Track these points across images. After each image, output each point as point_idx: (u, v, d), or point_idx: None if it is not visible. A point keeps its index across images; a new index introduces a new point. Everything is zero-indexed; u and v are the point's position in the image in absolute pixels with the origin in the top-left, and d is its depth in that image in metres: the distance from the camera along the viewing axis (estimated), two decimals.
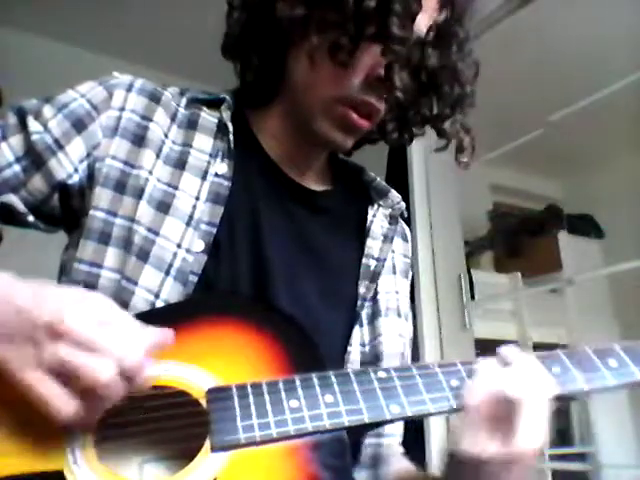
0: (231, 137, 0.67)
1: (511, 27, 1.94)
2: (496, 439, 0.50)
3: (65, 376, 0.42)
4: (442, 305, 1.94)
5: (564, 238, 3.28)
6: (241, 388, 0.50)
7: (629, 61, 1.82)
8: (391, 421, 0.52)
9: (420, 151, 2.12)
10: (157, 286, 0.60)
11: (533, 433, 0.51)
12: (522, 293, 3.02)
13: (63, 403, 0.42)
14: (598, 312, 3.11)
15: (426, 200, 2.07)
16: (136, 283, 0.59)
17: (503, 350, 0.55)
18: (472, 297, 2.13)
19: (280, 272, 0.65)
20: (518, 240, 3.37)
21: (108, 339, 0.44)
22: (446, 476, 0.55)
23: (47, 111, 0.63)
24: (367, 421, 0.50)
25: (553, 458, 2.69)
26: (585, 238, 3.44)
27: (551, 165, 3.48)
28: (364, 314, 0.71)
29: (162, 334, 0.48)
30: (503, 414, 0.51)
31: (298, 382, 0.51)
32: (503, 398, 0.51)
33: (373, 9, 0.59)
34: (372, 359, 0.69)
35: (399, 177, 2.19)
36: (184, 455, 0.47)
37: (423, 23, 0.64)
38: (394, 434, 0.72)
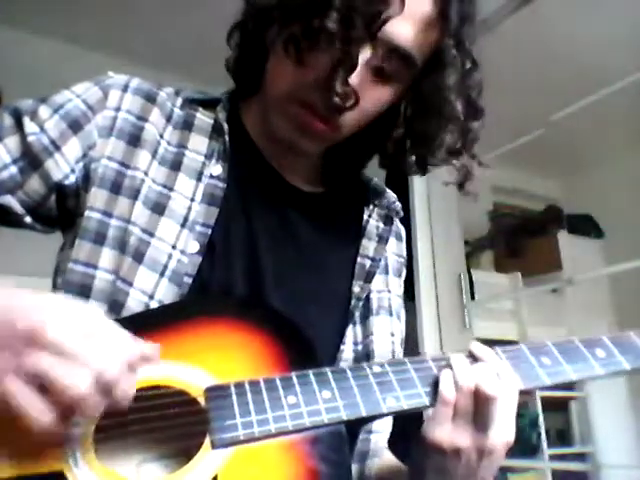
0: (226, 138, 0.67)
1: (511, 27, 1.94)
2: (469, 431, 0.53)
3: (44, 387, 0.41)
4: (442, 305, 1.95)
5: (564, 238, 3.29)
6: (239, 386, 0.50)
7: (629, 61, 1.82)
8: (388, 414, 0.53)
9: None
10: (152, 287, 0.60)
11: (506, 427, 0.53)
12: (522, 293, 3.02)
13: (39, 413, 0.41)
14: (598, 312, 3.11)
15: (426, 200, 2.07)
16: (131, 284, 0.59)
17: (474, 347, 0.57)
18: (472, 297, 2.13)
19: (273, 273, 0.65)
20: (518, 240, 3.37)
21: (89, 351, 0.43)
22: (415, 464, 0.57)
23: (43, 112, 0.63)
24: (364, 415, 0.51)
25: (553, 458, 2.69)
26: (585, 238, 3.44)
27: (551, 165, 3.48)
28: (357, 313, 0.71)
29: (149, 349, 0.47)
30: (477, 408, 0.53)
31: (295, 379, 0.52)
32: (479, 393, 0.53)
33: (337, 3, 0.56)
34: (363, 358, 0.70)
35: (399, 177, 2.19)
36: (184, 453, 0.48)
37: (404, 33, 0.60)
38: (382, 430, 0.72)
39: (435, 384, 0.54)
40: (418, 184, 2.07)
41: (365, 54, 0.59)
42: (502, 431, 0.53)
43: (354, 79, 0.58)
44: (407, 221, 2.13)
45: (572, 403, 3.15)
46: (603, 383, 3.03)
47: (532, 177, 3.66)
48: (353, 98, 0.59)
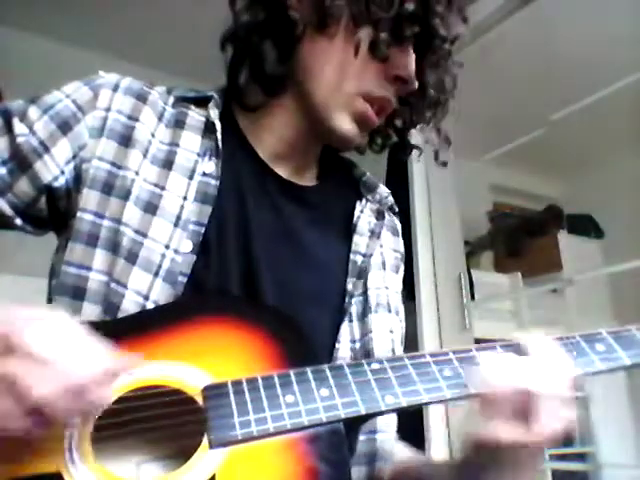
0: (219, 135, 0.67)
1: (511, 27, 1.94)
2: (513, 427, 0.51)
3: (11, 390, 0.41)
4: (442, 305, 1.94)
5: (564, 238, 3.28)
6: (237, 384, 0.50)
7: (629, 61, 1.82)
8: (387, 412, 0.53)
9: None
10: (146, 288, 0.59)
11: (552, 422, 0.51)
12: (522, 293, 3.02)
13: (10, 418, 0.41)
14: (598, 312, 3.10)
15: (426, 200, 2.07)
16: (125, 286, 0.59)
17: (522, 340, 0.56)
18: (472, 297, 2.13)
19: (268, 270, 0.65)
20: (518, 240, 3.37)
21: (58, 354, 0.43)
22: (464, 460, 0.56)
23: (32, 113, 0.63)
24: (363, 413, 0.50)
25: (553, 458, 2.69)
26: (585, 238, 3.43)
27: (551, 165, 3.48)
28: (354, 310, 0.71)
29: (127, 360, 0.47)
30: (521, 404, 0.51)
31: (293, 377, 0.51)
32: (522, 390, 0.51)
33: (415, 9, 0.62)
34: (363, 356, 0.69)
35: (399, 177, 2.19)
36: (181, 453, 0.48)
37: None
38: (388, 430, 0.71)
39: (435, 380, 0.54)
40: (418, 184, 2.07)
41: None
42: (548, 426, 0.52)
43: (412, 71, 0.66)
44: (407, 221, 2.13)
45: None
46: (603, 383, 3.03)
47: (532, 177, 3.65)
48: (413, 88, 0.67)
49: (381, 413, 0.53)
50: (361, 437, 0.69)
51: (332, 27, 0.64)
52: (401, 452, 0.74)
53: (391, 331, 0.74)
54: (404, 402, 0.52)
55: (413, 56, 0.66)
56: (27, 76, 2.09)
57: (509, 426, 0.51)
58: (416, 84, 0.66)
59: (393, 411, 0.55)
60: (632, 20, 2.28)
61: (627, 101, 2.14)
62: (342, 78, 0.65)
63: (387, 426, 0.71)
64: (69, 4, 2.24)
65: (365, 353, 0.70)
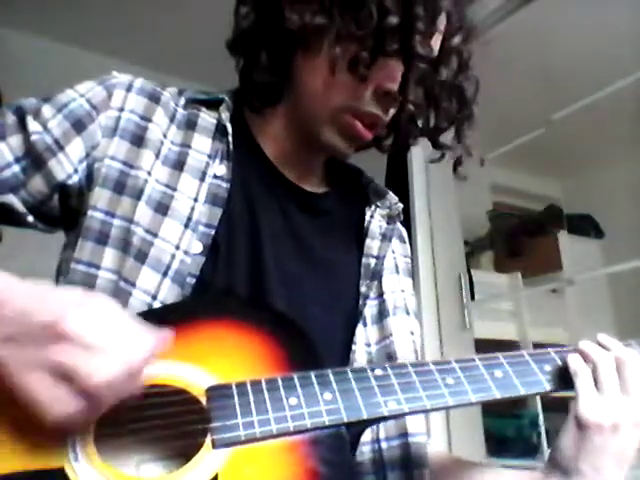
0: (230, 138, 0.67)
1: (511, 27, 1.94)
2: (621, 403, 0.55)
3: (67, 377, 0.42)
4: (442, 305, 1.94)
5: (564, 238, 3.28)
6: (241, 386, 0.51)
7: (630, 61, 1.82)
8: (389, 417, 0.53)
9: (420, 152, 2.12)
10: (154, 287, 0.60)
11: None
12: (522, 293, 3.01)
13: (63, 404, 0.42)
14: (598, 312, 3.10)
15: (426, 200, 2.07)
16: (134, 284, 0.59)
17: (600, 337, 0.60)
18: (472, 297, 2.13)
19: (277, 274, 0.65)
20: (518, 240, 3.37)
21: (109, 340, 0.43)
22: (564, 451, 0.57)
23: (46, 111, 0.63)
24: (365, 417, 0.51)
25: None
26: (585, 238, 3.43)
27: (551, 165, 3.48)
28: (368, 314, 0.71)
29: (163, 335, 0.48)
30: (620, 376, 0.56)
31: (297, 380, 0.52)
32: (619, 360, 0.57)
33: (396, 25, 0.60)
34: (383, 359, 0.69)
35: (399, 177, 2.19)
36: (184, 452, 0.48)
37: (436, 41, 0.65)
38: (420, 433, 0.70)
39: (437, 387, 0.54)
40: (418, 184, 2.07)
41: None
42: None
43: (396, 85, 0.64)
44: (407, 221, 2.12)
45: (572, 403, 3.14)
46: None
47: (532, 177, 3.65)
48: (398, 99, 0.65)
49: (384, 419, 0.54)
50: (394, 442, 0.68)
51: (315, 43, 0.64)
52: (438, 456, 0.73)
53: (412, 333, 0.74)
54: (406, 408, 0.52)
55: (399, 70, 0.64)
56: (27, 76, 2.09)
57: (618, 402, 0.55)
58: (410, 98, 0.64)
59: (395, 417, 0.56)
60: (632, 20, 2.28)
61: (627, 101, 2.13)
62: (328, 93, 0.65)
63: (419, 430, 0.70)
64: (70, 4, 2.24)
65: (387, 356, 0.69)
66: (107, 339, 0.43)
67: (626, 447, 0.55)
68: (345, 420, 0.50)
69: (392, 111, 0.67)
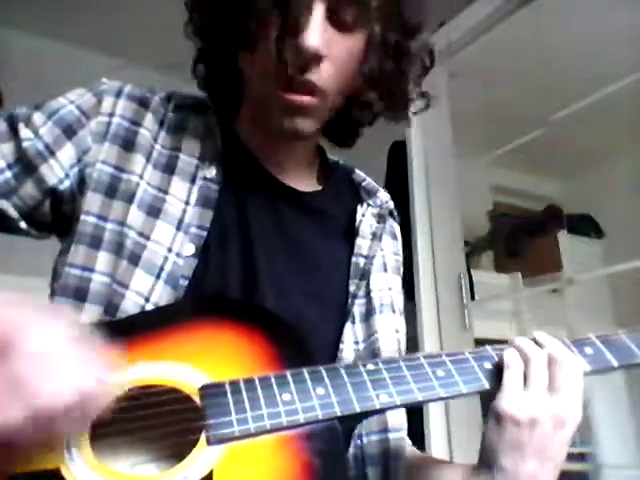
0: (219, 141, 0.68)
1: (511, 27, 1.95)
2: (543, 399, 0.55)
3: (15, 389, 0.40)
4: (442, 305, 1.95)
5: (564, 238, 3.28)
6: (234, 384, 0.51)
7: (629, 61, 1.82)
8: (381, 410, 0.55)
9: (420, 151, 2.12)
10: (148, 290, 0.60)
11: (576, 400, 0.57)
12: (522, 293, 3.02)
13: (4, 413, 0.39)
14: (598, 312, 3.10)
15: (426, 200, 2.07)
16: (127, 287, 0.60)
17: (538, 335, 0.61)
18: (472, 297, 2.13)
19: (269, 274, 0.65)
20: (518, 240, 3.37)
21: (61, 364, 0.41)
22: (487, 444, 0.57)
23: (37, 118, 0.64)
24: (358, 410, 0.52)
25: None
26: (585, 238, 3.43)
27: (551, 165, 3.48)
28: (357, 312, 0.72)
29: (115, 354, 0.46)
30: (550, 374, 0.57)
31: (290, 377, 0.52)
32: (551, 358, 0.57)
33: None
34: (368, 356, 0.70)
35: (399, 177, 2.19)
36: (179, 450, 0.48)
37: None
38: (400, 429, 0.72)
39: (428, 380, 0.56)
40: (418, 184, 2.08)
41: (317, 9, 0.59)
42: (573, 402, 0.56)
43: (311, 37, 0.58)
44: (407, 221, 2.13)
45: None
46: (603, 383, 3.03)
47: (532, 177, 3.65)
48: (314, 53, 0.59)
49: (376, 412, 0.55)
50: (373, 437, 0.69)
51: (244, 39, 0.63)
52: (413, 452, 0.74)
53: (397, 330, 0.75)
54: (398, 401, 0.54)
55: (310, 30, 0.58)
56: (27, 76, 2.10)
57: (540, 398, 0.55)
58: (309, 52, 0.59)
59: (388, 409, 0.57)
60: (632, 20, 2.28)
61: (627, 101, 2.13)
62: (260, 79, 0.64)
63: (399, 425, 0.72)
64: (70, 5, 2.24)
65: (371, 353, 0.70)
66: (59, 363, 0.41)
67: (547, 444, 0.55)
68: (338, 414, 0.51)
69: (315, 70, 0.61)
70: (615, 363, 0.61)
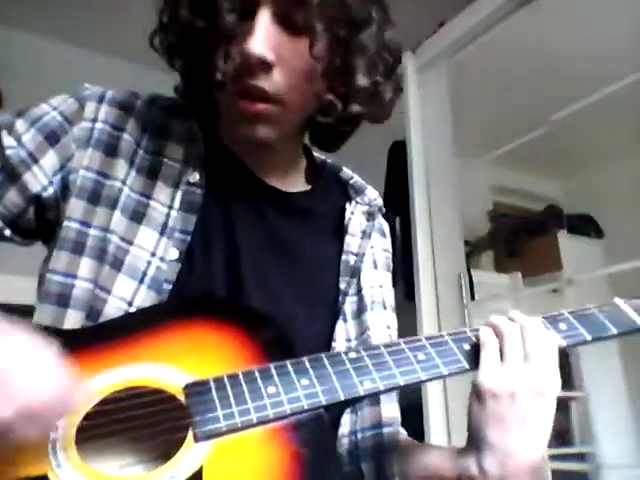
0: (201, 145, 0.68)
1: (511, 27, 1.94)
2: (520, 372, 0.56)
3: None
4: (442, 305, 1.94)
5: (564, 238, 3.28)
6: (218, 380, 0.51)
7: (629, 61, 1.82)
8: (366, 397, 0.55)
9: (420, 151, 2.12)
10: (131, 294, 0.60)
11: (554, 371, 0.57)
12: (522, 293, 3.02)
13: None
14: None
15: (426, 200, 2.07)
16: (109, 292, 0.60)
17: (513, 313, 0.62)
18: (472, 297, 2.13)
19: (254, 275, 0.65)
20: (518, 240, 3.37)
21: (8, 380, 0.41)
22: (472, 421, 0.57)
23: (20, 125, 0.64)
24: (343, 399, 0.52)
25: (553, 458, 2.69)
26: (585, 238, 3.44)
27: (551, 165, 3.48)
28: (348, 310, 0.72)
29: (69, 368, 0.46)
30: (525, 347, 0.57)
31: (273, 370, 0.53)
32: (526, 331, 0.58)
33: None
34: None
35: (399, 177, 2.19)
36: (167, 450, 0.48)
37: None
38: (393, 423, 0.72)
39: (409, 364, 0.57)
40: (419, 184, 2.08)
41: (262, 15, 0.58)
42: (550, 372, 0.56)
43: (255, 43, 0.58)
44: (407, 221, 2.13)
45: (572, 403, 3.15)
46: (603, 383, 3.03)
47: (532, 177, 3.66)
48: (259, 59, 0.58)
49: (361, 398, 0.55)
50: (368, 433, 0.69)
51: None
52: (407, 440, 0.74)
53: (388, 327, 0.76)
54: (381, 386, 0.54)
55: (254, 36, 0.58)
56: (27, 76, 2.10)
57: (517, 372, 0.56)
58: (259, 57, 0.58)
59: (372, 395, 0.57)
60: (632, 20, 2.28)
61: (627, 101, 2.13)
62: (217, 89, 0.63)
63: (392, 420, 0.72)
64: (70, 5, 2.24)
65: None
66: (6, 380, 0.41)
67: (529, 415, 0.55)
68: (323, 403, 0.51)
69: (265, 77, 0.60)
70: (588, 337, 0.63)
